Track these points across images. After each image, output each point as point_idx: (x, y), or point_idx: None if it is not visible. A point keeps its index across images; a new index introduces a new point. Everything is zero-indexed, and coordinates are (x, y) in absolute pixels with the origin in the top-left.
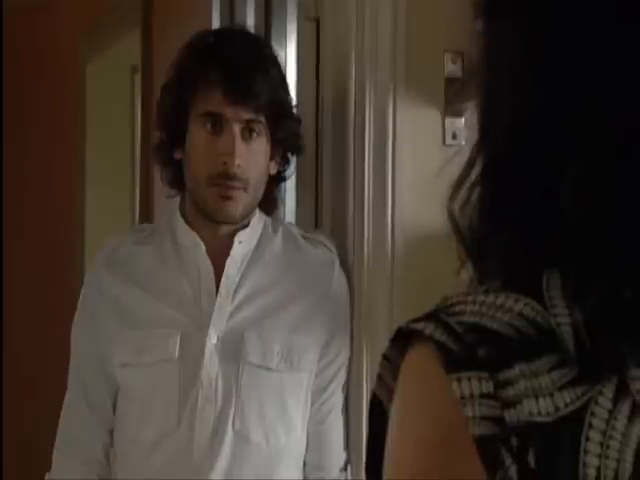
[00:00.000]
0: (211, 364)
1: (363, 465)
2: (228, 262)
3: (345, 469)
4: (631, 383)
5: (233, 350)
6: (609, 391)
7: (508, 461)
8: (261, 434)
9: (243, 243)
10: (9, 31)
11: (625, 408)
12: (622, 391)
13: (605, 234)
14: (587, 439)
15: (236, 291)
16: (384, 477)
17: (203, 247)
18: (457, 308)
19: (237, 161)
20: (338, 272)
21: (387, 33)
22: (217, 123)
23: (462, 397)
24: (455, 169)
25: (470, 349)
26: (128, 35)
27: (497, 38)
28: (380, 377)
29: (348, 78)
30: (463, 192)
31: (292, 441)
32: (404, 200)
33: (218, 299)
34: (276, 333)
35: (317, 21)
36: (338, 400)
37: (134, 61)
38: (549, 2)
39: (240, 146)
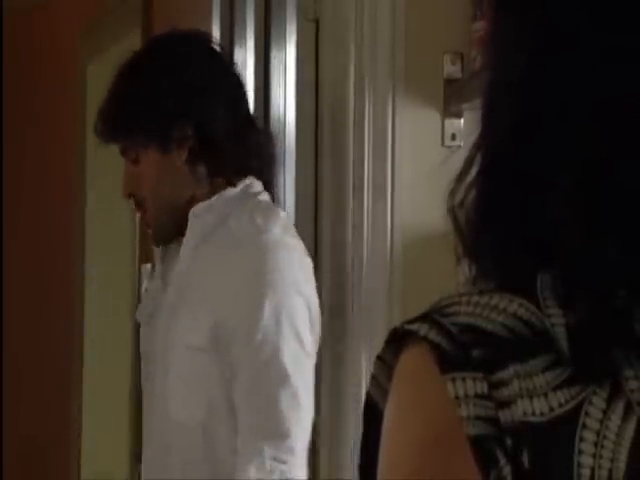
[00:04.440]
0: (143, 340)
1: (357, 466)
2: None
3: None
4: (625, 383)
5: (153, 327)
6: (603, 391)
7: (502, 461)
8: (171, 406)
9: (199, 217)
10: (9, 31)
11: (619, 408)
12: (616, 391)
13: (593, 236)
14: (581, 439)
15: (165, 272)
16: (378, 477)
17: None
18: (451, 309)
19: (123, 190)
20: (251, 250)
21: (386, 34)
22: None
23: (457, 397)
24: (454, 170)
25: (464, 350)
26: (129, 36)
27: (502, 35)
28: (374, 378)
29: (347, 79)
30: (462, 188)
31: (200, 415)
32: (403, 201)
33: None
34: (184, 310)
35: (316, 22)
36: (251, 382)
37: None
38: (556, 0)
39: (127, 173)
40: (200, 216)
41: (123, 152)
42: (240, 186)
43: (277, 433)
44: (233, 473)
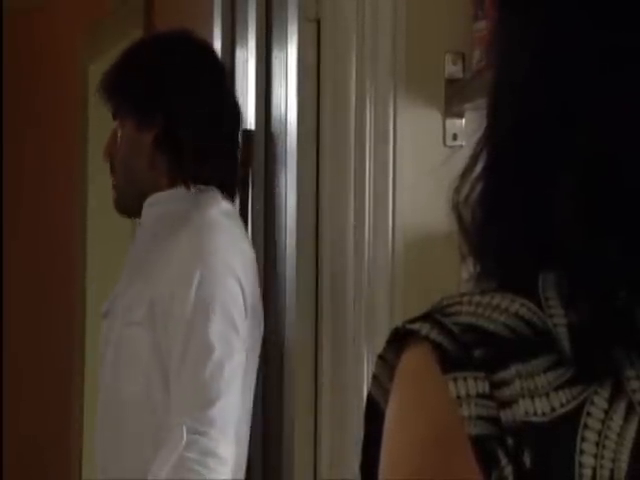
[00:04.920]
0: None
1: (358, 466)
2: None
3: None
4: (626, 383)
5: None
6: (605, 391)
7: (504, 461)
8: (111, 378)
9: (153, 207)
10: (9, 32)
11: (621, 408)
12: (618, 391)
13: (594, 236)
14: (583, 439)
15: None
16: (380, 477)
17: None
18: (453, 309)
19: (104, 151)
20: (191, 231)
21: (387, 34)
22: None
23: (458, 397)
24: (456, 170)
25: (466, 349)
26: (130, 37)
27: (505, 34)
28: (376, 378)
29: (349, 79)
30: (466, 186)
31: (138, 389)
32: (405, 201)
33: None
34: (127, 288)
35: (318, 22)
36: (179, 358)
37: None
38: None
39: (111, 137)
40: (152, 205)
41: (113, 116)
42: (197, 189)
43: (198, 404)
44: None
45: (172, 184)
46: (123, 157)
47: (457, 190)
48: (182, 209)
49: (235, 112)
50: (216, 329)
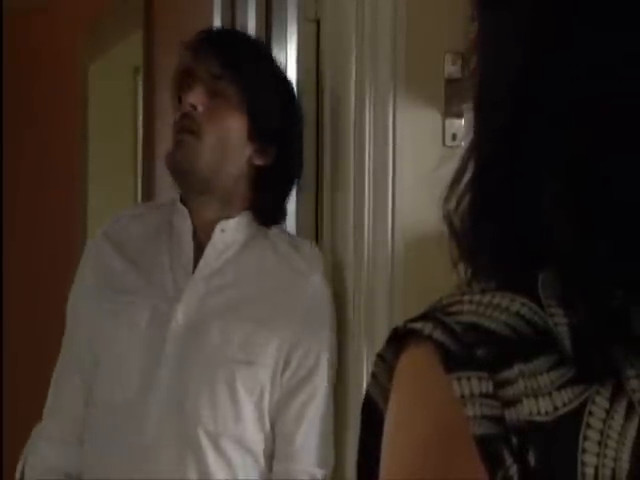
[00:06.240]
0: (174, 340)
1: (355, 465)
2: (208, 247)
3: None
4: (626, 382)
5: (196, 331)
6: (606, 390)
7: (509, 461)
8: (209, 416)
9: (226, 233)
10: (9, 32)
11: (621, 407)
12: (618, 390)
13: (585, 237)
14: (585, 438)
15: (211, 277)
16: (381, 477)
17: (189, 223)
18: (454, 308)
19: (191, 100)
20: (317, 282)
21: (387, 34)
22: (188, 78)
23: (462, 397)
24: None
25: (469, 349)
26: (130, 36)
27: (494, 35)
28: (374, 376)
29: (348, 79)
30: (458, 192)
31: (240, 430)
32: (404, 201)
33: (192, 279)
34: (239, 324)
35: (317, 22)
36: (310, 413)
37: (136, 62)
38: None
39: (200, 93)
40: (226, 231)
41: (214, 81)
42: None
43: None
44: None
45: (245, 206)
46: (221, 133)
47: (447, 198)
48: (280, 249)
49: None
50: (330, 389)
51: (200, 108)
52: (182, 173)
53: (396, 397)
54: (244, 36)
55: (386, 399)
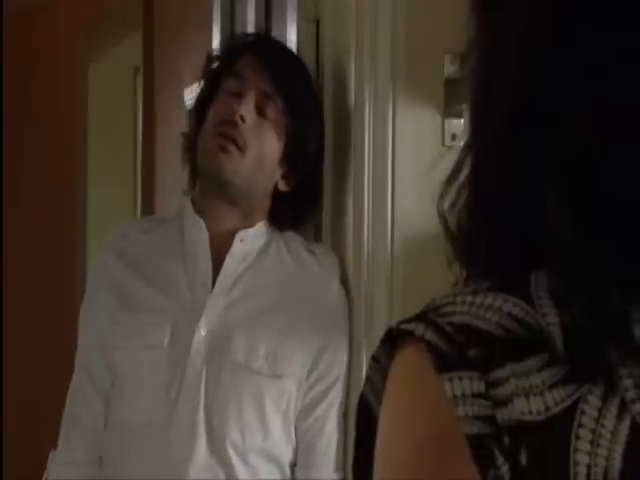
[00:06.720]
0: (197, 357)
1: (351, 466)
2: (227, 259)
3: None
4: (619, 381)
5: (219, 346)
6: (598, 390)
7: (500, 460)
8: (237, 432)
9: (245, 243)
10: (9, 32)
11: (614, 406)
12: (611, 389)
13: (585, 236)
14: (577, 437)
15: (231, 289)
16: (375, 478)
17: (206, 235)
18: (447, 309)
19: (243, 111)
20: (336, 288)
21: (387, 34)
22: (238, 86)
23: (454, 397)
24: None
25: (461, 349)
26: (130, 37)
27: (491, 35)
28: (369, 378)
29: (348, 79)
30: (453, 192)
31: (269, 444)
32: (404, 201)
33: (212, 294)
34: (263, 336)
35: (317, 22)
36: (332, 421)
37: (136, 62)
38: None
39: (251, 108)
40: (245, 241)
41: (264, 98)
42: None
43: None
44: None
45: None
46: (262, 152)
47: (441, 196)
48: (298, 254)
49: None
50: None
51: (249, 122)
52: (222, 181)
53: (389, 398)
54: (292, 55)
55: (380, 401)
